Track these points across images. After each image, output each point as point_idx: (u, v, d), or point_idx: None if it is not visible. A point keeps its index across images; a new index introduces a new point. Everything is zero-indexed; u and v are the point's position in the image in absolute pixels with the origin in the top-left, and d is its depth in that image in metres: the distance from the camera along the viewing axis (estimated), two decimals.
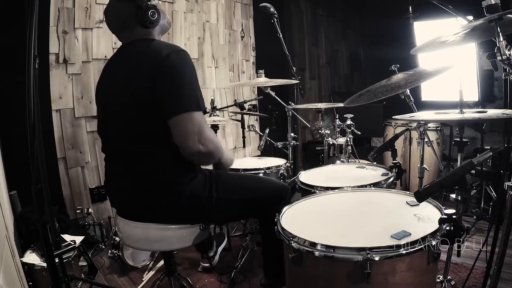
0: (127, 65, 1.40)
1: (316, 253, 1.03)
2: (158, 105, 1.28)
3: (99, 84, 1.56)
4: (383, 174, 1.80)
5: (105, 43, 2.81)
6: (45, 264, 1.78)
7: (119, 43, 1.54)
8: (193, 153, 1.28)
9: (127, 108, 1.36)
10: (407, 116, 1.56)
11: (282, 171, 2.22)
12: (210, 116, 2.58)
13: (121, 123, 1.39)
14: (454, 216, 1.01)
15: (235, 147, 3.92)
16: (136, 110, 1.34)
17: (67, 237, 1.99)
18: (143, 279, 2.25)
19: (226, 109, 3.34)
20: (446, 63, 1.59)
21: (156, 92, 1.28)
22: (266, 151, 2.66)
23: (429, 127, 3.22)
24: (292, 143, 2.49)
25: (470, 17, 1.49)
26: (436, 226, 1.05)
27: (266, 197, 1.53)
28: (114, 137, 1.45)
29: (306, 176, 1.90)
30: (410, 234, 1.05)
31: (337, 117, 2.53)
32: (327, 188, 1.62)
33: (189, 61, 1.35)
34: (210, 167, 1.61)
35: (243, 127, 2.95)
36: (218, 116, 2.65)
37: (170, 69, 1.29)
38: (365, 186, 1.62)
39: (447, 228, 1.02)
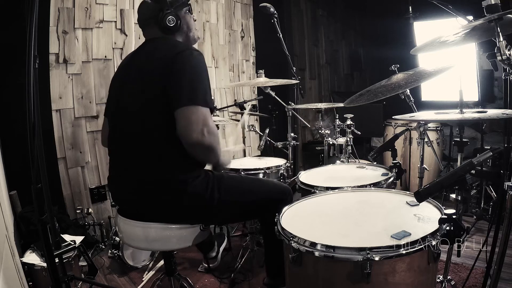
0: (142, 59, 1.45)
1: (316, 253, 1.03)
2: (167, 98, 1.30)
3: (114, 77, 1.60)
4: (383, 174, 1.80)
5: (105, 43, 2.81)
6: (45, 264, 1.78)
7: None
8: (193, 143, 1.26)
9: (136, 102, 1.39)
10: (407, 116, 1.56)
11: (282, 171, 2.22)
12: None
13: (129, 117, 1.41)
14: (454, 216, 1.01)
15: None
16: (144, 105, 1.36)
17: (67, 237, 2.00)
18: (143, 279, 2.25)
19: (226, 109, 3.34)
20: (446, 63, 1.59)
21: (166, 84, 1.31)
22: (266, 151, 2.66)
23: (429, 127, 3.22)
24: (292, 143, 2.49)
25: (470, 17, 1.49)
26: (436, 226, 1.05)
27: (267, 200, 1.53)
28: (121, 132, 1.46)
29: (306, 176, 1.90)
30: (410, 234, 1.05)
31: (337, 117, 2.53)
32: (327, 188, 1.62)
33: (201, 60, 1.38)
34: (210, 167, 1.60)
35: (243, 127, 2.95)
36: (218, 116, 2.65)
37: (182, 63, 1.32)
38: (365, 186, 1.62)
39: (447, 228, 1.02)
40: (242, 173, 2.10)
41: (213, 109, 1.40)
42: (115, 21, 2.86)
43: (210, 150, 1.32)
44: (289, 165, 2.30)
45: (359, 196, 1.49)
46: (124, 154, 1.46)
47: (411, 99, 1.90)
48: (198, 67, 1.35)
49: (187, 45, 1.42)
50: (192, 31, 1.58)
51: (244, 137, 2.99)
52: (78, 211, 2.64)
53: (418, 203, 1.23)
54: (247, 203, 1.52)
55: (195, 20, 1.61)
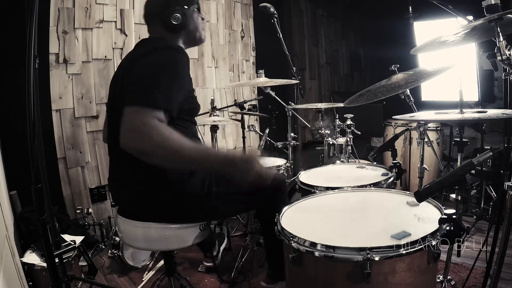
0: (126, 59, 1.44)
1: (316, 253, 1.03)
2: None
3: (112, 77, 1.59)
4: (383, 174, 1.80)
5: (105, 43, 2.81)
6: (45, 264, 1.78)
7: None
8: (124, 148, 1.12)
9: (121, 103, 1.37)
10: (407, 116, 1.56)
11: (282, 171, 2.22)
12: (210, 116, 2.58)
13: (119, 118, 1.40)
14: (454, 216, 1.01)
15: (235, 147, 3.92)
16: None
17: (67, 237, 1.99)
18: (143, 279, 2.25)
19: (226, 109, 3.34)
20: (446, 63, 1.59)
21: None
22: (266, 151, 2.66)
23: (429, 127, 3.22)
24: (292, 143, 2.49)
25: (470, 17, 1.49)
26: (436, 226, 1.05)
27: (264, 188, 1.50)
28: (115, 132, 1.45)
29: (306, 176, 1.90)
30: (410, 234, 1.05)
31: (337, 117, 2.53)
32: (327, 188, 1.62)
33: (173, 58, 1.26)
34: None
35: (243, 127, 2.95)
36: (218, 116, 2.65)
37: (146, 61, 1.25)
38: (365, 186, 1.62)
39: (447, 228, 1.02)
40: None
41: (171, 113, 1.19)
42: (115, 21, 2.86)
43: (145, 155, 1.13)
44: (289, 165, 2.30)
45: (359, 196, 1.49)
46: (119, 154, 1.45)
47: (411, 99, 1.90)
48: (165, 64, 1.23)
49: (169, 44, 1.34)
50: (199, 31, 1.49)
51: (244, 137, 3.00)
52: (78, 211, 2.64)
53: (418, 203, 1.23)
54: (244, 193, 1.49)
55: (203, 19, 1.51)
